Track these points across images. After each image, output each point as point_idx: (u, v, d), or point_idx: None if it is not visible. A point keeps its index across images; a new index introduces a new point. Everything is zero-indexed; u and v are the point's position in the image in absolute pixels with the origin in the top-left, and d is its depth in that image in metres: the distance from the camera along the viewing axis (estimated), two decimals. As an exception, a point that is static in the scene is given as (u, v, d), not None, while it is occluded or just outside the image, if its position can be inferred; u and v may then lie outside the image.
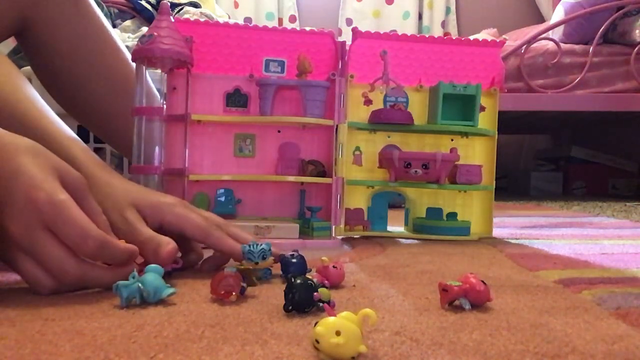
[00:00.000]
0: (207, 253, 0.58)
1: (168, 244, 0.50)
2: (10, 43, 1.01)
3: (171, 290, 0.43)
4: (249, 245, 0.51)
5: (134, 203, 0.54)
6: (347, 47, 0.85)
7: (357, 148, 0.88)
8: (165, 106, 0.78)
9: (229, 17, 2.29)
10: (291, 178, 0.81)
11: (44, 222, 0.41)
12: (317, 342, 0.30)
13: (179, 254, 0.53)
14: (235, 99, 0.84)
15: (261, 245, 0.51)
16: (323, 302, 0.39)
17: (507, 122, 2.04)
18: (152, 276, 0.43)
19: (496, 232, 0.90)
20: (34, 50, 0.78)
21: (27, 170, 0.42)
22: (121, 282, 0.41)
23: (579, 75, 1.86)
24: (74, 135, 0.62)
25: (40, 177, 0.42)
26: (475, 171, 0.85)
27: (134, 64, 0.76)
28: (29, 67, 1.29)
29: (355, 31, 0.85)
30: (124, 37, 1.51)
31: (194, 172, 0.80)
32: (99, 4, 1.55)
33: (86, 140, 1.32)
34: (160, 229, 0.54)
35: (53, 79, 0.81)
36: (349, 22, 2.79)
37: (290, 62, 0.83)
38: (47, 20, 0.74)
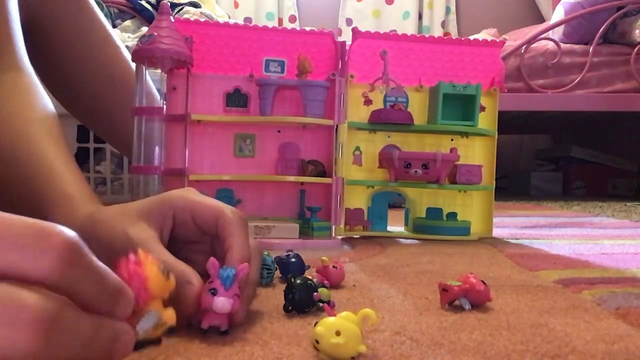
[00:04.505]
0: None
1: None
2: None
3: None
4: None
5: (139, 215, 0.41)
6: (347, 47, 0.85)
7: (357, 148, 0.88)
8: (165, 106, 0.78)
9: (229, 17, 2.28)
10: (291, 178, 0.81)
11: None
12: (317, 342, 0.30)
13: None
14: (235, 99, 0.84)
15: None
16: (323, 302, 0.39)
17: (507, 122, 2.04)
18: None
19: (496, 232, 0.90)
20: (35, 48, 0.78)
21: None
22: None
23: (579, 75, 1.86)
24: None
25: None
26: (475, 171, 0.85)
27: (133, 64, 0.76)
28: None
29: (355, 31, 0.85)
30: (124, 37, 1.51)
31: (194, 172, 0.80)
32: (99, 4, 1.55)
33: (86, 140, 1.31)
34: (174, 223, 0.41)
35: (54, 77, 0.81)
36: (349, 22, 2.79)
37: (290, 62, 0.83)
38: (50, 18, 0.75)
